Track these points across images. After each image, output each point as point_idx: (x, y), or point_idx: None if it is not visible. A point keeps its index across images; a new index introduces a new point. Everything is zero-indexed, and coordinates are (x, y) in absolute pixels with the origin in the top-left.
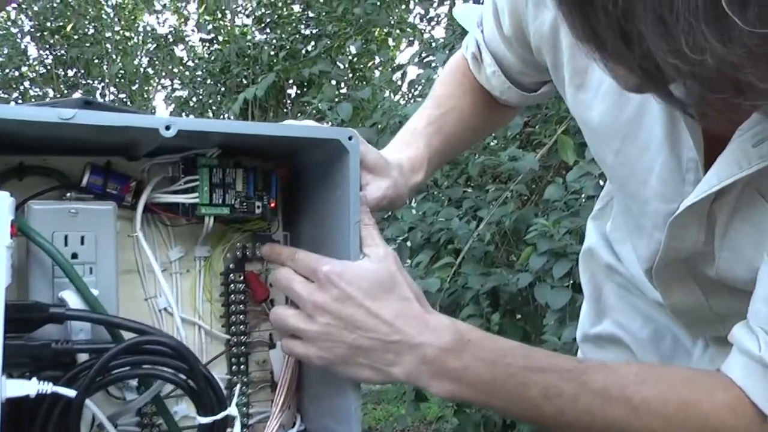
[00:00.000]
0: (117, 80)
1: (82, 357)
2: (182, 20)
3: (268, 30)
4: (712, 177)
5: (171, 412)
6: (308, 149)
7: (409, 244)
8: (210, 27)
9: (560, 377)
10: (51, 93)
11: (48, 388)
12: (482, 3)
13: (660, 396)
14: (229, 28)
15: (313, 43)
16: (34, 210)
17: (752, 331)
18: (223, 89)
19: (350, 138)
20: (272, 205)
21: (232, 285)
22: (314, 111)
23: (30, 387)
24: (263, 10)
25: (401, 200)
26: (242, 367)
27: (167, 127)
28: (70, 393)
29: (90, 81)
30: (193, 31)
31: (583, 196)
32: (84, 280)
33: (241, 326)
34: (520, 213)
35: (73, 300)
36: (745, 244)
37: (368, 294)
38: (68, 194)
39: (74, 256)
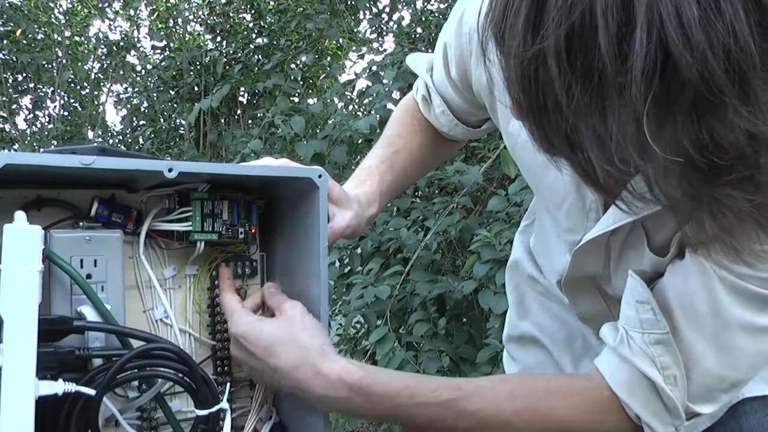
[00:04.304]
0: (67, 86)
1: (96, 361)
2: (134, 27)
3: (219, 39)
4: (609, 217)
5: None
6: (283, 184)
7: (359, 251)
8: (162, 34)
9: (440, 407)
10: None
11: (72, 387)
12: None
13: (530, 407)
14: (181, 35)
15: (266, 55)
16: (56, 238)
17: (615, 328)
18: (175, 96)
19: (320, 176)
20: (253, 231)
21: (217, 298)
22: (267, 124)
23: (58, 387)
24: (215, 19)
25: (361, 229)
26: (226, 368)
27: (170, 170)
28: (91, 392)
29: (40, 86)
30: (145, 37)
31: (523, 208)
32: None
33: (225, 333)
34: (464, 223)
35: (90, 314)
36: (632, 268)
37: (266, 351)
38: (81, 223)
39: (88, 276)
